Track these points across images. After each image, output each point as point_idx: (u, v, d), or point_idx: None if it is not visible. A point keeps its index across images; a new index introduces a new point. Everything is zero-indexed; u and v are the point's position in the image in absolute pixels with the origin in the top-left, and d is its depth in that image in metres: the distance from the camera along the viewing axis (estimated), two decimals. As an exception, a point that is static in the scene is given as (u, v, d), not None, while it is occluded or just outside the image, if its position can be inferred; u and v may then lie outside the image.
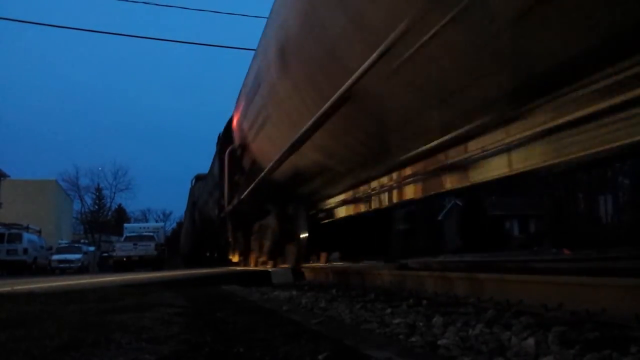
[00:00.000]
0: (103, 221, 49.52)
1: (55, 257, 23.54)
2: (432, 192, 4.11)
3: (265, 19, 5.71)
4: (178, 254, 28.88)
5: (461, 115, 3.16)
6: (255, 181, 7.06)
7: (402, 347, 1.66)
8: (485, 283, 2.87)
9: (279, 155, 5.70)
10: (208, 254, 17.93)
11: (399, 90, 3.29)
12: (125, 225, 33.98)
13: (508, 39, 2.36)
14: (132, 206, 72.19)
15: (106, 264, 27.54)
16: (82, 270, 22.72)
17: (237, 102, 8.35)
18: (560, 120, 2.55)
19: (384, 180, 4.93)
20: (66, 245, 26.22)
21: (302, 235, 6.81)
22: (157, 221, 49.48)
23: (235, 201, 8.96)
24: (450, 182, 3.76)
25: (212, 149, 12.38)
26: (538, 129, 2.73)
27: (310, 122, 4.35)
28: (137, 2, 10.49)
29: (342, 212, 6.39)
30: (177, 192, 52.40)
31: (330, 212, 6.85)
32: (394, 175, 4.66)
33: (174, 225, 48.31)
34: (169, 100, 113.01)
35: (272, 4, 5.23)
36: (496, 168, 3.17)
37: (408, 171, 4.32)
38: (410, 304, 2.75)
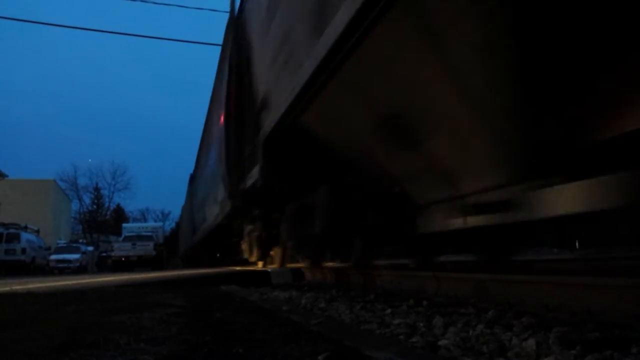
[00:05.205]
0: (102, 221, 49.57)
1: (54, 257, 23.54)
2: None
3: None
4: (177, 253, 28.86)
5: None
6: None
7: (403, 347, 1.65)
8: (486, 283, 2.86)
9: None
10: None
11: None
12: (124, 225, 34.04)
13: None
14: (130, 206, 72.51)
15: (105, 264, 27.53)
16: (81, 270, 22.72)
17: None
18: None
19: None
20: (65, 245, 26.22)
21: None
22: (155, 221, 49.59)
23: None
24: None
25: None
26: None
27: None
28: (135, 0, 10.46)
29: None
30: (175, 192, 52.60)
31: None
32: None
33: (173, 225, 48.31)
34: (168, 100, 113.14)
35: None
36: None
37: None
38: (410, 304, 2.74)
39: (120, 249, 23.67)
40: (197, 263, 17.94)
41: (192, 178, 17.27)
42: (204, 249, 16.31)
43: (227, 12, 6.37)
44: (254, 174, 4.83)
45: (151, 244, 23.49)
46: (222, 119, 7.43)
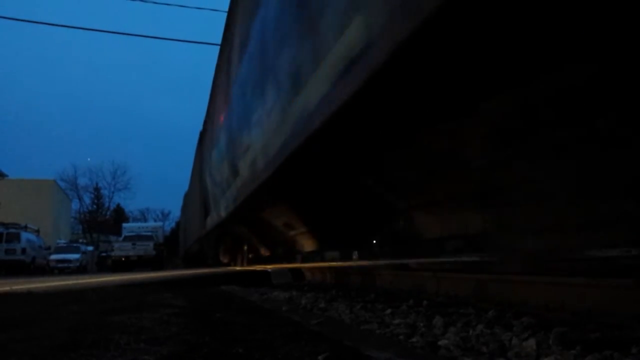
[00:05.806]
0: (101, 221, 49.48)
1: (54, 256, 23.50)
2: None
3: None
4: (177, 253, 28.77)
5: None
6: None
7: (403, 347, 1.65)
8: (486, 283, 2.86)
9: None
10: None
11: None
12: (124, 224, 33.99)
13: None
14: (130, 206, 72.28)
15: (105, 264, 27.49)
16: (81, 270, 22.69)
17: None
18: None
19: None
20: (65, 245, 26.18)
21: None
22: (155, 221, 49.45)
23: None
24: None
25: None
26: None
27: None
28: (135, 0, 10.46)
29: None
30: (176, 192, 52.36)
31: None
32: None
33: (173, 225, 48.22)
34: (168, 100, 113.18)
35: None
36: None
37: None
38: (410, 304, 2.75)
39: (120, 248, 23.63)
40: (200, 263, 17.37)
41: (203, 134, 10.97)
42: (217, 241, 11.33)
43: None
44: None
45: (151, 244, 23.45)
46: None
